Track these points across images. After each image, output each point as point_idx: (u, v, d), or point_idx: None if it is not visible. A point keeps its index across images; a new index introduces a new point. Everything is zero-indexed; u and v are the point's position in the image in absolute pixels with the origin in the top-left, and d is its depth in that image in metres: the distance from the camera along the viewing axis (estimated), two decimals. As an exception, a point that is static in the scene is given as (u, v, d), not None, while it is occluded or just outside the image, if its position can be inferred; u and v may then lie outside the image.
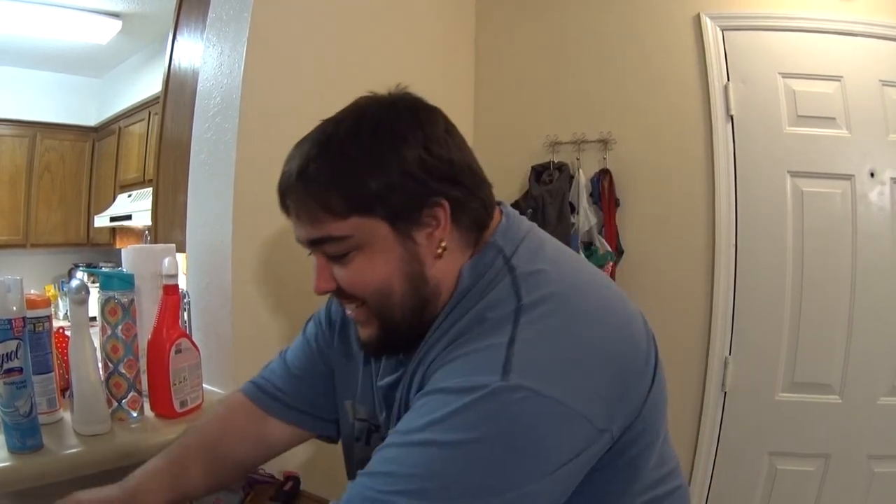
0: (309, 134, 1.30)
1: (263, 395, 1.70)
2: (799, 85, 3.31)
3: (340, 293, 1.33)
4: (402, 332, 1.32)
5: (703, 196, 3.32)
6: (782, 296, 3.28)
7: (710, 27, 3.34)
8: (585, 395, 1.10)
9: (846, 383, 3.23)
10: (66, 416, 1.94)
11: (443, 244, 1.27)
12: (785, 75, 3.32)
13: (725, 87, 3.31)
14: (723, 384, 3.30)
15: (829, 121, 3.27)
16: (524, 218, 1.42)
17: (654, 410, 1.23)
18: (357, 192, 1.21)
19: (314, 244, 1.30)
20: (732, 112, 3.30)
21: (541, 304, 1.17)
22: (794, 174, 3.28)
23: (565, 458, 1.08)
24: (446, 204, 1.25)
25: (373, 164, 1.21)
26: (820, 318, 3.26)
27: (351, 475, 1.58)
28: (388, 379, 1.42)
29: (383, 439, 1.18)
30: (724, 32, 3.35)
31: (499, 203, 1.42)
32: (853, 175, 3.24)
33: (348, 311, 1.37)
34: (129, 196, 6.87)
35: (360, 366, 1.60)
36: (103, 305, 1.94)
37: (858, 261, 3.23)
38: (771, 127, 3.31)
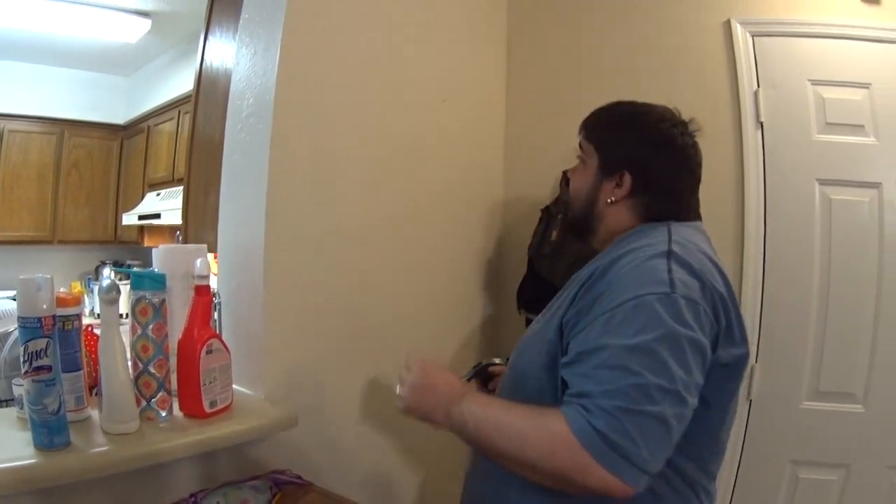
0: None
1: None
2: (828, 92, 3.27)
3: None
4: (576, 222, 2.01)
5: (732, 203, 3.29)
6: (808, 304, 3.24)
7: (740, 33, 3.30)
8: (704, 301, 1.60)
9: (870, 393, 3.19)
10: (95, 413, 1.94)
11: (611, 199, 1.88)
12: (814, 82, 3.28)
13: (755, 94, 3.27)
14: (748, 392, 3.26)
15: (857, 128, 3.23)
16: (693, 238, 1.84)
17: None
18: (598, 136, 1.95)
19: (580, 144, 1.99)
20: (762, 119, 3.26)
21: (678, 250, 1.66)
22: (823, 182, 3.24)
23: (702, 330, 1.56)
24: (628, 178, 1.85)
25: (623, 130, 1.92)
26: (845, 327, 3.21)
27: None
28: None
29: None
30: (755, 38, 3.32)
31: (696, 221, 1.95)
32: (881, 183, 3.19)
33: None
34: (158, 195, 6.90)
35: None
36: (134, 305, 1.94)
37: (885, 269, 3.18)
38: (800, 134, 3.27)
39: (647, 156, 1.85)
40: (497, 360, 2.40)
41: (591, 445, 1.40)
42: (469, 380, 2.30)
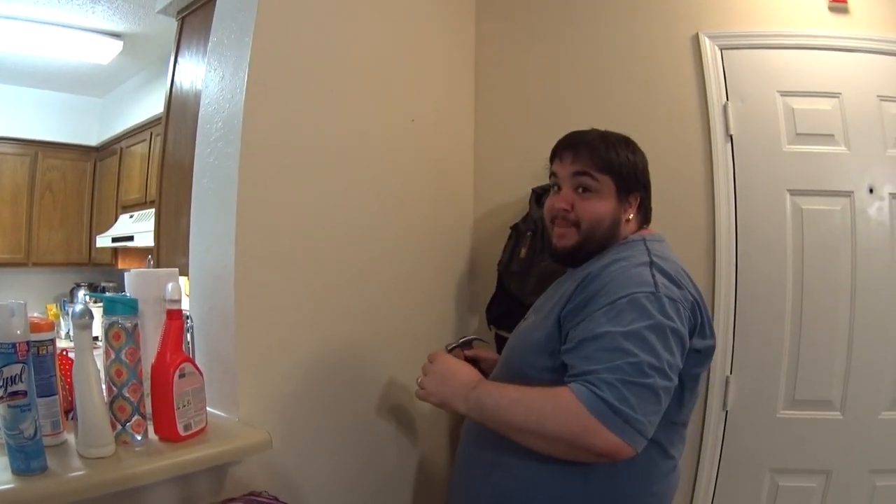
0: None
1: None
2: (797, 103, 3.32)
3: (566, 215, 2.16)
4: (590, 247, 2.15)
5: (703, 216, 3.33)
6: (783, 314, 3.28)
7: (708, 46, 3.35)
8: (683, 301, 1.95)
9: (847, 399, 3.24)
10: (71, 438, 1.96)
11: (629, 218, 2.18)
12: (784, 93, 3.33)
13: (724, 107, 3.32)
14: (724, 403, 3.29)
15: (827, 138, 3.28)
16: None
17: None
18: (616, 164, 2.12)
19: (576, 174, 2.14)
20: (732, 132, 3.31)
21: (658, 261, 2.00)
22: (794, 192, 3.29)
23: (681, 322, 1.90)
24: (637, 197, 2.19)
25: (629, 156, 2.17)
26: (820, 335, 3.26)
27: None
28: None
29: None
30: (723, 52, 3.36)
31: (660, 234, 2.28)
32: (852, 191, 3.25)
33: (559, 229, 2.20)
34: (131, 217, 6.87)
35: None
36: (107, 330, 1.97)
37: (858, 277, 3.24)
38: (770, 146, 3.32)
39: (646, 176, 2.24)
40: (479, 338, 2.79)
41: (599, 412, 1.72)
42: (454, 348, 2.58)
